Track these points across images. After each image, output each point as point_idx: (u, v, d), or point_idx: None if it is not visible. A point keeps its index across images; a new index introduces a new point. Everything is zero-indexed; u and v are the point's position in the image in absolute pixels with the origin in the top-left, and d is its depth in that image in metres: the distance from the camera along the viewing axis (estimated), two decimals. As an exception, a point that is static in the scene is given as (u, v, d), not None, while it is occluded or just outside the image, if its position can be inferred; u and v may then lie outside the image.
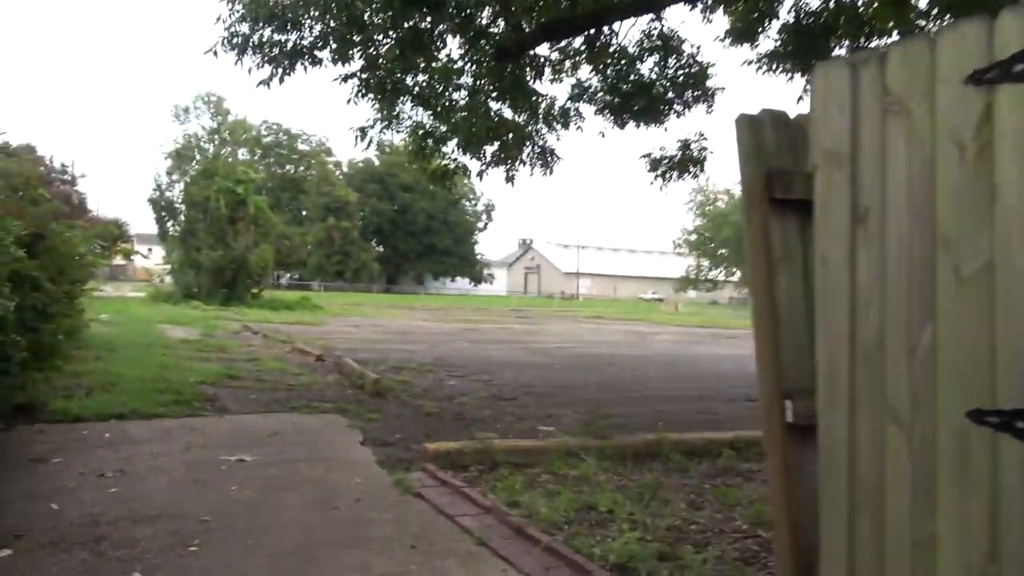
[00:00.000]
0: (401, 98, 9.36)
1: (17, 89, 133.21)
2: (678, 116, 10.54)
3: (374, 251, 79.88)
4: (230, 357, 12.08)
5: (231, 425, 6.79)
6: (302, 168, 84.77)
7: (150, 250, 76.52)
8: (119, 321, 18.13)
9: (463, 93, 9.63)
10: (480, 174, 9.82)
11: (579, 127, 10.12)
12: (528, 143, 9.72)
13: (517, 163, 9.57)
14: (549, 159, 10.17)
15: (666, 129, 10.64)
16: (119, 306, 24.47)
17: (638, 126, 10.26)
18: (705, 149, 10.49)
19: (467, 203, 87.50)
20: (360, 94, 8.74)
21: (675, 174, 10.48)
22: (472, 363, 13.16)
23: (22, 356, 6.43)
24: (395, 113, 9.95)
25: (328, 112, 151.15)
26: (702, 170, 10.57)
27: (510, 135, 9.15)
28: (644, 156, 10.55)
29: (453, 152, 10.38)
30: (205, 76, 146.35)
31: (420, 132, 10.14)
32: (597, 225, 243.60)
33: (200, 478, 5.04)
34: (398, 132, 10.15)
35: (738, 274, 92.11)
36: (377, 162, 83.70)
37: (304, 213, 79.56)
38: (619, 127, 10.25)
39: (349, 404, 8.10)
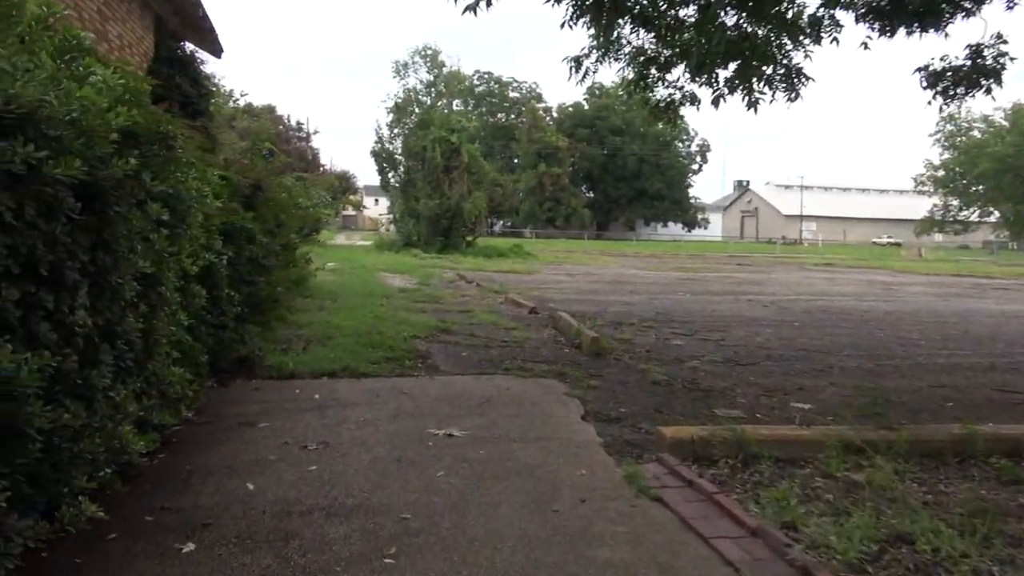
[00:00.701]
0: (619, 20, 8.19)
1: (259, 52, 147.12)
2: (966, 16, 8.37)
3: (584, 197, 79.35)
4: (443, 308, 11.82)
5: (441, 388, 6.23)
6: (513, 116, 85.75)
7: (376, 201, 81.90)
8: (344, 269, 18.87)
9: (691, 9, 8.25)
10: (715, 101, 8.40)
11: (835, 39, 8.32)
12: (771, 63, 8.14)
13: (762, 84, 8.03)
14: (796, 81, 8.51)
15: (947, 35, 8.47)
16: (346, 254, 25.84)
17: (910, 32, 8.26)
18: (1004, 56, 8.25)
19: (680, 144, 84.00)
20: (575, 16, 7.70)
21: (962, 89, 8.37)
22: (697, 318, 11.91)
23: (237, 310, 6.28)
24: (612, 38, 8.79)
25: (537, 54, 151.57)
26: (998, 83, 8.33)
27: (750, 53, 7.62)
28: (920, 69, 8.51)
29: (679, 80, 9.07)
30: (425, 31, 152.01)
31: (641, 59, 8.91)
32: (821, 162, 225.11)
33: (405, 456, 4.43)
34: (616, 60, 9.00)
35: (996, 214, 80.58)
36: (587, 106, 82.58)
37: (516, 160, 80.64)
38: (887, 35, 8.31)
39: (566, 366, 7.30)
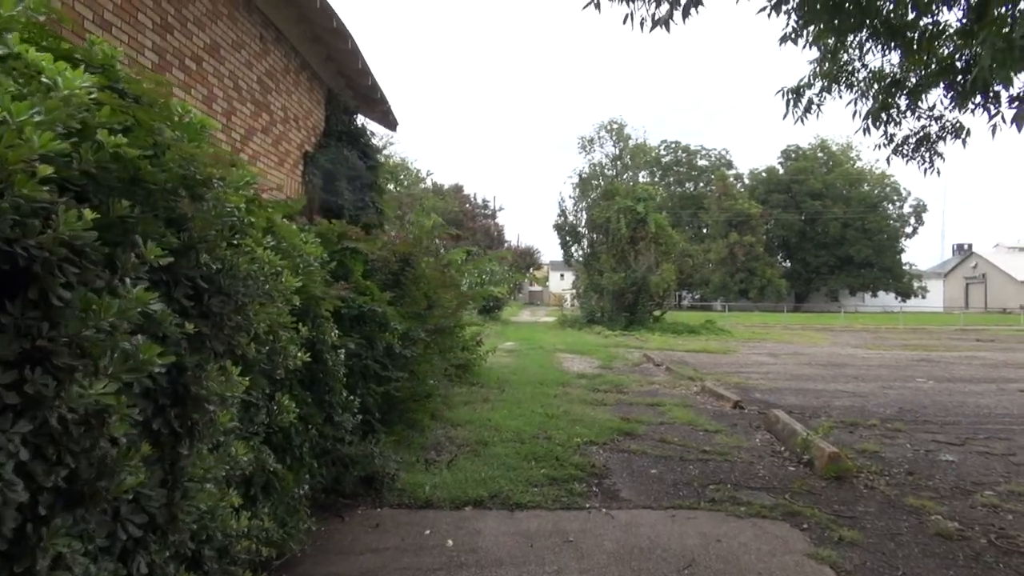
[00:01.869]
0: (856, 31, 6.29)
1: (451, 133, 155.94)
2: None
3: (780, 266, 74.26)
4: (627, 400, 9.99)
5: (621, 535, 4.44)
6: (702, 184, 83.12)
7: (562, 276, 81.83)
8: (520, 350, 17.60)
9: (958, 11, 6.16)
10: (995, 127, 6.16)
11: None
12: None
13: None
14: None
15: None
16: (526, 333, 24.73)
17: None
18: None
19: (890, 206, 76.89)
20: (801, 26, 5.91)
21: None
22: (958, 417, 9.18)
23: (361, 417, 4.93)
24: (841, 62, 6.86)
25: (727, 121, 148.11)
26: None
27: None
28: None
29: (939, 104, 6.89)
30: (608, 107, 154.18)
31: (883, 81, 6.89)
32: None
33: None
34: (847, 87, 7.04)
35: None
36: (782, 170, 78.26)
37: (704, 230, 77.51)
38: None
39: (797, 497, 5.24)
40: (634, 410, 9.11)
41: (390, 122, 13.59)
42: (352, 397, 4.69)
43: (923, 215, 78.32)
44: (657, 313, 30.64)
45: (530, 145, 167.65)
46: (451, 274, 8.96)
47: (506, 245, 51.05)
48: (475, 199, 52.96)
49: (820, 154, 77.97)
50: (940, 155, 7.14)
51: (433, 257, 8.24)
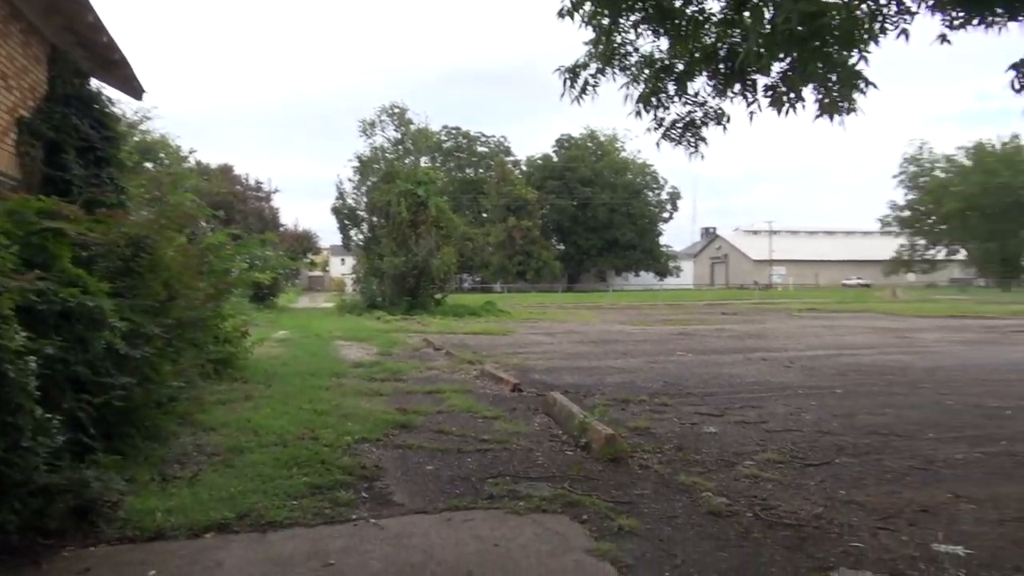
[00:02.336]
0: (630, 12, 6.23)
1: (222, 112, 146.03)
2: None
3: (555, 249, 77.80)
4: (406, 389, 9.54)
5: (391, 550, 3.94)
6: (482, 170, 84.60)
7: (343, 261, 79.60)
8: (294, 340, 16.50)
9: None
10: (752, 114, 6.43)
11: (903, 31, 6.42)
12: (828, 62, 6.16)
13: (825, 89, 5.98)
14: (853, 88, 6.57)
15: (1030, 29, 6.65)
16: (303, 320, 23.45)
17: (1009, 18, 6.44)
18: (1113, 50, 6.45)
19: (649, 193, 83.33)
20: (577, 3, 5.72)
21: (1065, 92, 6.53)
22: (716, 388, 9.76)
23: (65, 437, 3.98)
24: (615, 44, 6.81)
25: (505, 113, 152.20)
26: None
27: (816, 42, 5.56)
28: (1015, 67, 6.68)
29: (701, 93, 7.08)
30: (391, 92, 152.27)
31: (654, 66, 6.96)
32: (788, 207, 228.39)
33: None
34: (621, 71, 7.03)
35: (963, 252, 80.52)
36: (556, 157, 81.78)
37: (484, 215, 79.08)
38: (971, 23, 6.47)
39: (577, 485, 5.07)
40: (412, 399, 8.66)
41: (134, 89, 11.87)
42: (51, 415, 3.74)
43: (677, 201, 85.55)
44: (439, 296, 30.51)
45: (311, 129, 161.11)
46: (210, 260, 7.91)
47: (282, 229, 48.38)
48: (247, 180, 49.54)
49: (590, 144, 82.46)
50: (704, 139, 7.40)
51: (186, 240, 7.19)
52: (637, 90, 7.23)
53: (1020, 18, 6.58)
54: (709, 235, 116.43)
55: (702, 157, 7.59)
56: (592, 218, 77.52)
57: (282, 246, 38.55)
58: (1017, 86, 6.80)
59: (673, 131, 7.31)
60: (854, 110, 6.48)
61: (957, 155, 78.47)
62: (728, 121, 7.12)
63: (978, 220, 71.09)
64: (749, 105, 6.64)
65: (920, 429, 7.09)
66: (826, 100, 5.99)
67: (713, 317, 28.98)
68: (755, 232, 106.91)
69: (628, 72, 7.17)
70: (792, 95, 6.42)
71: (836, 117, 6.49)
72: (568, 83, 6.86)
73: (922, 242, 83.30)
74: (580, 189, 77.45)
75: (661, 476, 5.39)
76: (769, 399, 8.87)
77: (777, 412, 8.00)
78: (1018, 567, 3.68)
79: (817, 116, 6.08)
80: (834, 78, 6.26)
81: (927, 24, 6.73)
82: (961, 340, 17.12)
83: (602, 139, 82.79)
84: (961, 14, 6.37)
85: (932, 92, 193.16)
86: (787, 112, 6.54)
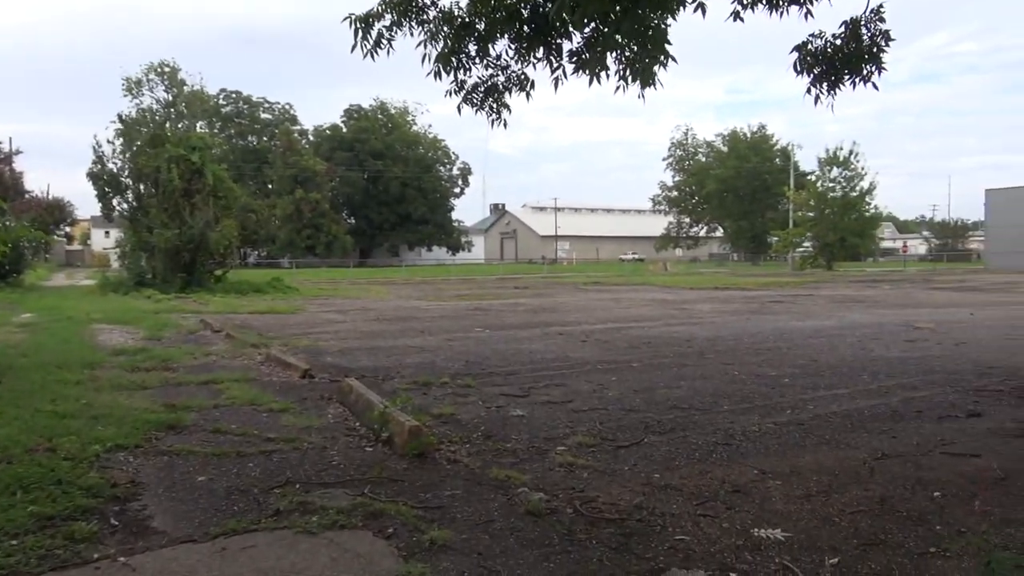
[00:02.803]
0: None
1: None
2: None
3: (346, 223, 75.53)
4: (177, 380, 8.34)
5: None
6: (266, 138, 79.84)
7: (107, 234, 71.51)
8: (41, 324, 14.21)
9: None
10: (557, 80, 6.07)
11: (699, 4, 6.38)
12: (631, 34, 5.96)
13: (627, 59, 5.73)
14: (655, 61, 6.43)
15: (809, 14, 6.94)
16: (54, 301, 20.50)
17: (790, 2, 6.63)
18: (882, 36, 6.87)
19: (441, 168, 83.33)
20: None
21: (843, 74, 6.86)
22: (517, 366, 9.54)
23: None
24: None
25: (291, 78, 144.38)
26: (877, 70, 6.95)
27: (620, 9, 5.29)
28: (797, 49, 6.91)
29: (504, 56, 6.64)
30: (162, 50, 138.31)
31: (453, 23, 6.39)
32: (570, 185, 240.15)
33: None
34: (419, 25, 6.39)
35: (720, 230, 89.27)
36: (345, 128, 79.11)
37: (270, 186, 74.82)
38: (760, 3, 6.57)
39: (378, 489, 4.46)
40: (183, 392, 7.54)
41: None
42: None
43: (469, 177, 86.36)
44: (219, 273, 28.15)
45: (71, 91, 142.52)
46: None
47: (28, 196, 42.29)
48: (-21, 138, 42.57)
49: (380, 116, 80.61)
50: (507, 106, 6.99)
51: None
52: (436, 49, 6.66)
53: (800, 3, 6.84)
54: (498, 211, 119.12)
55: (505, 125, 7.22)
56: (384, 192, 76.10)
57: (26, 215, 33.70)
58: (799, 67, 7.09)
59: (475, 95, 6.83)
60: (652, 83, 6.38)
61: (716, 141, 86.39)
62: (532, 88, 6.76)
63: (733, 200, 78.83)
64: (554, 71, 6.31)
65: (715, 401, 7.26)
66: (629, 69, 5.79)
67: (506, 291, 29.37)
68: (542, 208, 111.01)
69: (426, 28, 6.57)
70: (597, 58, 6.17)
71: (639, 87, 6.37)
72: (360, 34, 6.12)
73: (687, 220, 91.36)
74: (371, 162, 75.64)
75: (472, 471, 4.92)
76: (571, 376, 8.77)
77: (581, 390, 7.88)
78: (834, 547, 3.63)
79: (618, 87, 5.87)
80: (636, 47, 6.10)
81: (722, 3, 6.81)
82: (731, 311, 18.53)
83: (392, 111, 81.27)
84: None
85: (695, 84, 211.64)
86: (593, 80, 6.30)
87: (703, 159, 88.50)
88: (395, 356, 10.43)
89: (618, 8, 5.21)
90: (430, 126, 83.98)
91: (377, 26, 6.24)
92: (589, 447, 5.56)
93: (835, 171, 57.15)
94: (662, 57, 6.18)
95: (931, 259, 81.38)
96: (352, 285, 34.72)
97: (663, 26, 5.81)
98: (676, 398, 7.43)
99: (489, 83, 6.84)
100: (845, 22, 6.89)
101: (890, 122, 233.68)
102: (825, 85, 6.96)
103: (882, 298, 23.62)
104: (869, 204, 57.37)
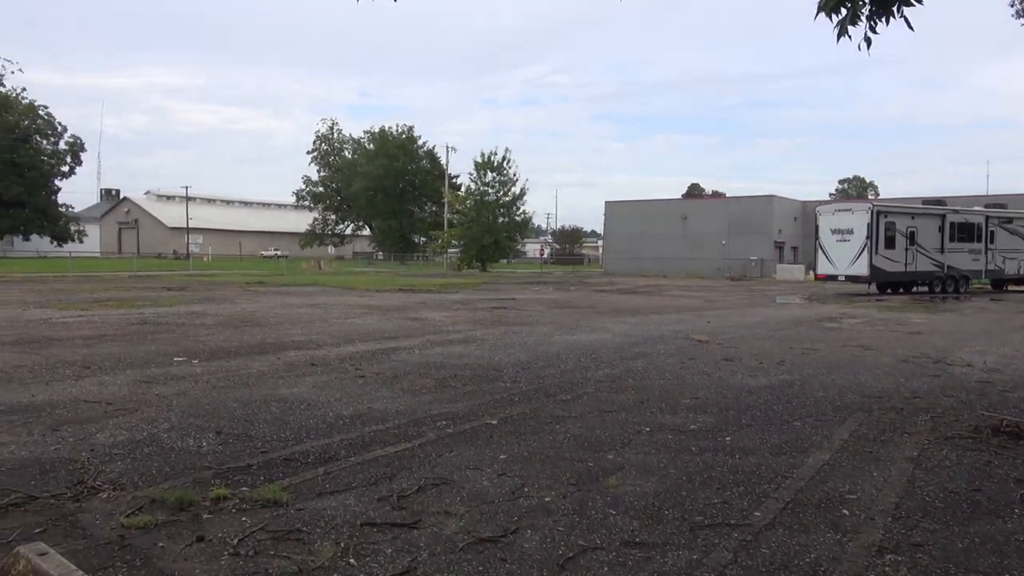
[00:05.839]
0: None
1: None
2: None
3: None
4: None
5: None
6: None
7: None
8: None
9: None
10: None
11: None
12: None
13: None
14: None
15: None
16: None
17: None
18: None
19: (43, 140, 68.65)
20: None
21: (877, 7, 4.75)
22: (290, 437, 5.87)
23: None
24: None
25: None
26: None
27: None
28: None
29: None
30: None
31: None
32: (195, 175, 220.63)
33: None
34: None
35: (368, 230, 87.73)
36: None
37: None
38: None
39: None
40: None
41: None
42: None
43: (80, 155, 72.76)
44: None
45: None
46: None
47: None
48: None
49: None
50: None
51: None
52: None
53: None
54: (113, 198, 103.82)
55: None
56: (-40, 164, 59.99)
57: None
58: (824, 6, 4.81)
59: None
60: None
61: (364, 139, 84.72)
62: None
63: (382, 200, 77.87)
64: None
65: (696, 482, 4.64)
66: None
67: (159, 295, 23.52)
68: (170, 197, 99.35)
69: None
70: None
71: None
72: None
73: (333, 217, 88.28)
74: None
75: None
76: (404, 465, 5.44)
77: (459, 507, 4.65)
78: None
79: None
80: None
81: None
82: (475, 321, 16.15)
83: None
84: None
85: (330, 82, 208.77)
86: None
87: (349, 155, 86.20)
88: (56, 436, 5.95)
89: None
90: (24, 90, 68.45)
91: None
92: None
93: (490, 175, 59.03)
94: None
95: (553, 261, 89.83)
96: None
97: None
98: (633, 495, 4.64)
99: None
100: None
101: (502, 138, 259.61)
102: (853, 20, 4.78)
103: (587, 302, 23.41)
104: (519, 208, 60.39)
